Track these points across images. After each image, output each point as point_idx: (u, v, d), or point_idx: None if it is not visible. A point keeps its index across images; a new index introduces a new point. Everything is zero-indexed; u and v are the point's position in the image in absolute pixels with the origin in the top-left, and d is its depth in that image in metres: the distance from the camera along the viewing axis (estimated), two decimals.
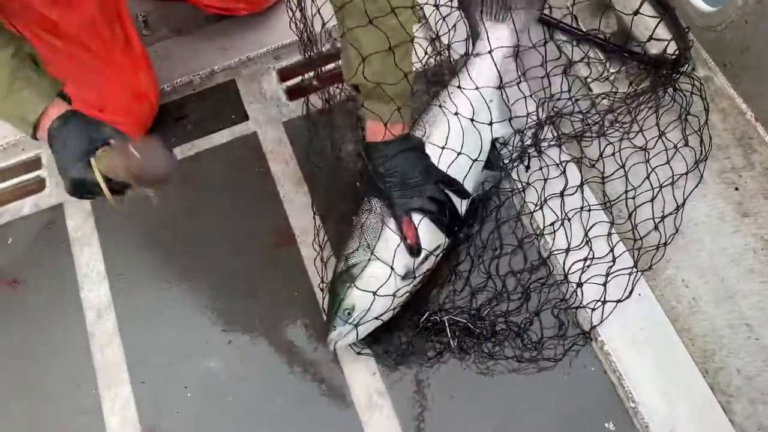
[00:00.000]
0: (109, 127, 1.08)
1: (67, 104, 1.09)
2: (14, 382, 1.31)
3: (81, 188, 1.06)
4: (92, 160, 1.02)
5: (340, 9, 1.12)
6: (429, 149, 1.30)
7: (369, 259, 1.23)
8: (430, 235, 1.26)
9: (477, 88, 1.38)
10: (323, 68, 1.54)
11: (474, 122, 1.35)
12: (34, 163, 1.57)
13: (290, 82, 1.63)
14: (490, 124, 1.37)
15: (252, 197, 1.47)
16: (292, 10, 1.41)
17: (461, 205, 1.32)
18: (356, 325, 1.20)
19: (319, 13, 1.31)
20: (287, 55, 1.66)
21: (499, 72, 1.42)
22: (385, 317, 1.23)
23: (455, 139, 1.32)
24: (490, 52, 1.42)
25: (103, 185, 1.02)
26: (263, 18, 1.69)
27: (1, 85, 1.05)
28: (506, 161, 1.42)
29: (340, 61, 1.30)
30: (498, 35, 1.45)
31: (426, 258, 1.25)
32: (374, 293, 1.19)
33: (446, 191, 1.28)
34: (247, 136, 1.55)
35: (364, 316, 1.20)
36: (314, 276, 1.35)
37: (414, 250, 1.24)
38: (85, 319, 1.36)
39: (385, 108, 1.21)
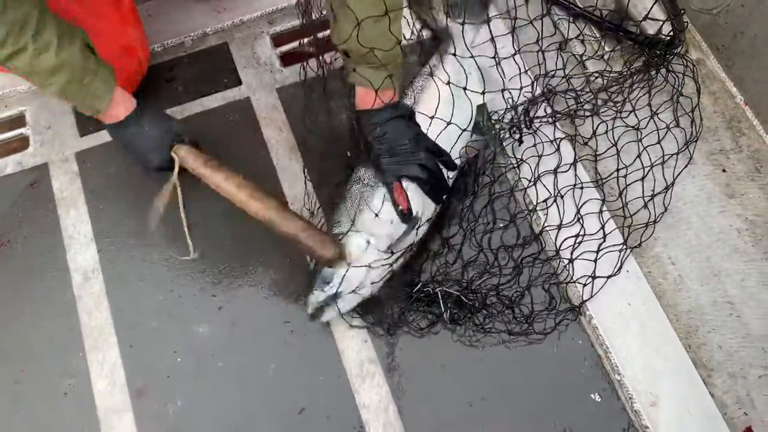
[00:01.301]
0: (177, 123, 1.31)
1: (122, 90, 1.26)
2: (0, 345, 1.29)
3: (157, 170, 1.31)
4: (173, 154, 1.27)
5: None
6: (418, 117, 1.29)
7: (350, 230, 1.24)
8: (418, 203, 1.27)
9: (472, 57, 1.36)
10: (319, 34, 1.51)
11: (460, 90, 1.34)
12: (18, 121, 1.52)
13: (284, 48, 1.61)
14: (483, 93, 1.35)
15: (245, 163, 1.41)
16: None
17: (449, 176, 1.32)
18: (335, 295, 1.21)
19: None
20: (281, 20, 1.63)
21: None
22: (366, 291, 1.24)
23: (444, 108, 1.31)
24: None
25: (175, 178, 1.29)
26: None
27: (73, 82, 1.16)
28: (499, 133, 1.42)
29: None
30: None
31: (411, 228, 1.26)
32: (349, 264, 1.20)
33: (435, 160, 1.28)
34: (240, 101, 1.53)
35: (340, 283, 1.21)
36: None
37: (406, 215, 1.25)
38: (71, 282, 1.34)
39: (375, 74, 1.20)
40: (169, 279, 1.34)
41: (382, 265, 1.24)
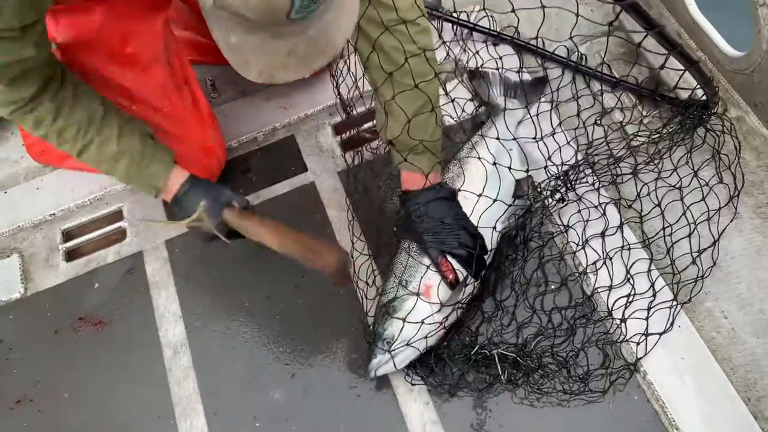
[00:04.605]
0: (228, 190, 1.39)
1: (180, 168, 1.38)
2: (102, 414, 1.44)
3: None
4: (223, 216, 1.36)
5: (384, 82, 1.26)
6: (461, 198, 1.40)
7: (406, 294, 1.34)
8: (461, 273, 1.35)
9: (515, 139, 1.51)
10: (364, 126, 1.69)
11: (501, 167, 1.45)
12: (117, 215, 1.73)
13: (344, 136, 1.78)
14: (527, 171, 1.48)
15: None
16: (333, 76, 1.55)
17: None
18: (392, 354, 1.30)
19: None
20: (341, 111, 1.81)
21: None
22: (422, 347, 1.32)
23: (489, 184, 1.42)
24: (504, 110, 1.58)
25: (224, 237, 1.39)
26: (318, 79, 1.83)
27: (133, 165, 1.33)
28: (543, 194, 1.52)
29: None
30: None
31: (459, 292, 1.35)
32: (422, 322, 1.30)
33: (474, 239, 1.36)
34: (306, 186, 1.69)
35: (403, 345, 1.30)
36: (370, 312, 1.45)
37: (455, 285, 1.34)
38: (163, 356, 1.49)
39: (419, 160, 1.34)
40: (248, 350, 1.47)
41: (433, 322, 1.32)
